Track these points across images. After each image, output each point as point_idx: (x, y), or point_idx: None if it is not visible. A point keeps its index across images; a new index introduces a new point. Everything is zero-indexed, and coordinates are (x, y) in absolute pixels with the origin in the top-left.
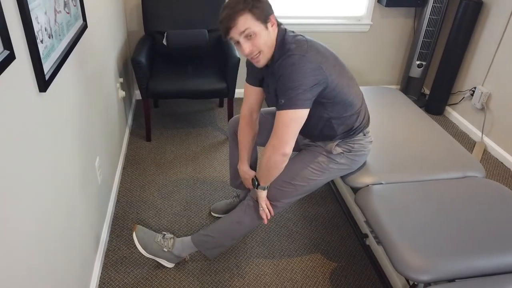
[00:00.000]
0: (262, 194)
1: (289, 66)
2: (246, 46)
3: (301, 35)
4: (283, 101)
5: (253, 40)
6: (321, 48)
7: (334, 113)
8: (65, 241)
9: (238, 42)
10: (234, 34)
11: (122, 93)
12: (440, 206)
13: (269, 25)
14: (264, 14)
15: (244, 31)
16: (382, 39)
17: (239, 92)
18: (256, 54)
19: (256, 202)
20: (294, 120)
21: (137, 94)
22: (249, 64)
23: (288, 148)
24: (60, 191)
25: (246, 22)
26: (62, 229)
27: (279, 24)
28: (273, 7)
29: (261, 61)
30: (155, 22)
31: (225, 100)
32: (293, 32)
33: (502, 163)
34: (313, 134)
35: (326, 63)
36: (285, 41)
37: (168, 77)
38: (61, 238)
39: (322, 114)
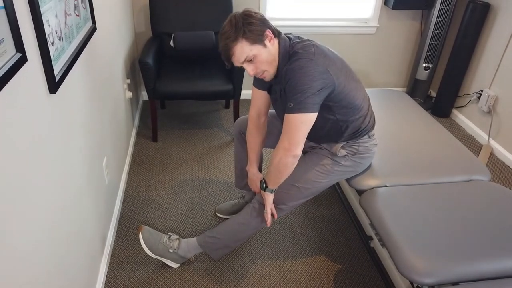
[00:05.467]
0: (269, 198)
1: (297, 70)
2: (250, 69)
3: (308, 40)
4: (292, 105)
5: (255, 62)
6: (328, 52)
7: (341, 116)
8: (72, 240)
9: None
10: (236, 62)
11: (129, 94)
12: (445, 209)
13: (266, 41)
14: (258, 34)
15: (244, 59)
16: (388, 41)
17: (245, 93)
18: (261, 73)
19: (262, 204)
20: (303, 123)
21: (144, 95)
22: None
23: (299, 149)
24: (68, 190)
25: (242, 51)
26: (69, 228)
27: (278, 34)
28: (268, 20)
29: (267, 77)
30: (162, 24)
31: (231, 102)
32: (299, 38)
33: (508, 166)
34: (319, 136)
35: (333, 67)
36: (290, 50)
37: (175, 78)
38: (68, 237)
39: (329, 117)
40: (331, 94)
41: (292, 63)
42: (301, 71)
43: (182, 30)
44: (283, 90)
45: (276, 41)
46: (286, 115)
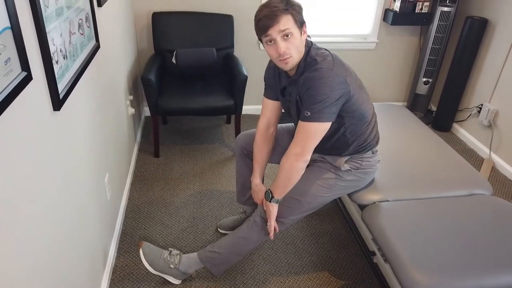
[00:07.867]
0: (274, 209)
1: (317, 80)
2: (282, 45)
3: (324, 49)
4: (309, 113)
5: (289, 41)
6: (344, 62)
7: (351, 127)
8: (74, 256)
9: (270, 41)
10: (273, 31)
11: (131, 110)
12: (447, 224)
13: (302, 32)
14: (301, 20)
15: (284, 30)
16: (388, 56)
17: (246, 108)
18: (288, 56)
19: (262, 218)
20: (319, 131)
21: (146, 111)
22: (268, 78)
23: (309, 155)
24: (70, 206)
25: (287, 23)
26: (71, 244)
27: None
28: None
29: (290, 63)
30: (164, 41)
31: (233, 117)
32: (315, 44)
33: (510, 180)
34: (325, 147)
35: (350, 77)
36: (310, 53)
37: (177, 95)
38: (69, 253)
39: (339, 127)
40: (346, 103)
41: (311, 72)
42: (321, 81)
43: (184, 47)
44: (299, 98)
45: (305, 39)
46: (301, 122)
